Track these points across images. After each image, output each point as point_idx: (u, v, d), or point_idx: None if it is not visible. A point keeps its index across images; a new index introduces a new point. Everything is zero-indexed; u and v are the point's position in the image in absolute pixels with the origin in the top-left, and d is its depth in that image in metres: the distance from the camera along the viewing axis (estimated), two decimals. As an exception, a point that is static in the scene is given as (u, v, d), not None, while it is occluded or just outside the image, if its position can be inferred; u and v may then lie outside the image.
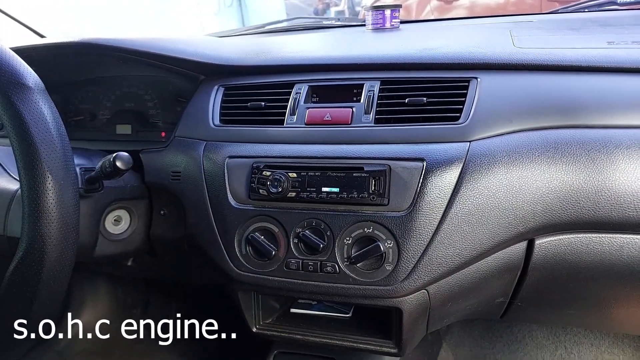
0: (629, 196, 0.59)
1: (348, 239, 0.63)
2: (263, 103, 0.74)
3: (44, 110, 0.52)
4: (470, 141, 0.62)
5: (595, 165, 0.60)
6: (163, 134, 0.88)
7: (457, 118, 0.65)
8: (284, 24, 1.21)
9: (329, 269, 0.63)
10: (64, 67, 0.92)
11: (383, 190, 0.62)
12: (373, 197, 0.62)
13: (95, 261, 0.75)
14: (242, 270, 0.68)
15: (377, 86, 0.70)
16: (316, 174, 0.65)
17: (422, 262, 0.61)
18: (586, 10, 0.99)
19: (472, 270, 0.64)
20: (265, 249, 0.65)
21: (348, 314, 0.76)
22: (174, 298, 1.27)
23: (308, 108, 0.72)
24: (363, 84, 0.71)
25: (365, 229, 0.62)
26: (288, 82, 0.75)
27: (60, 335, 1.17)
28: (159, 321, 1.25)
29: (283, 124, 0.72)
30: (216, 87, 0.79)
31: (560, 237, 0.64)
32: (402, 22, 1.02)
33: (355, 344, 0.71)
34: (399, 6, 1.00)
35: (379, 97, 0.69)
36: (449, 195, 0.60)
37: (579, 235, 0.63)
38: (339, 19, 1.20)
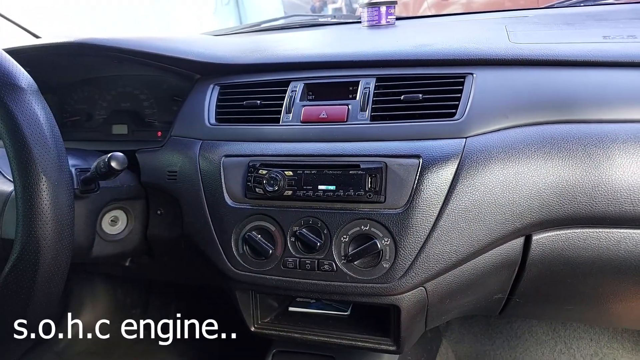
0: (626, 191, 0.59)
1: (345, 236, 0.63)
2: (259, 101, 0.74)
3: (37, 111, 0.52)
4: (466, 137, 0.62)
5: (592, 160, 0.60)
6: (159, 134, 0.88)
7: (453, 114, 0.64)
8: (280, 22, 1.21)
9: (326, 267, 0.63)
10: (59, 67, 0.92)
11: (379, 187, 0.62)
12: (369, 195, 0.62)
13: (93, 262, 0.75)
14: (240, 270, 0.67)
15: (372, 83, 0.70)
16: (312, 172, 0.65)
17: (419, 259, 0.61)
18: (582, 4, 0.98)
19: (469, 266, 0.64)
20: (262, 247, 0.65)
21: (346, 312, 0.76)
22: (174, 298, 1.27)
23: (304, 106, 0.71)
24: (359, 81, 0.71)
25: (362, 227, 0.62)
26: (283, 80, 0.75)
27: (60, 336, 1.17)
28: (158, 321, 1.25)
29: (279, 122, 0.72)
30: (212, 86, 0.79)
31: (558, 232, 0.64)
32: (397, 19, 1.02)
33: (353, 342, 0.71)
34: (395, 3, 0.99)
35: (375, 94, 0.69)
36: (446, 192, 0.60)
37: (576, 231, 0.63)
38: (334, 16, 1.20)
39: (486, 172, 0.60)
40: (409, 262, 0.61)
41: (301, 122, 0.70)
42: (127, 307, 1.27)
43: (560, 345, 1.15)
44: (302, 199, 0.65)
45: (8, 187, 0.62)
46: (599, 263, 0.64)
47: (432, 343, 1.10)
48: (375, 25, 1.00)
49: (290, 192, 0.65)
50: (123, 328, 1.24)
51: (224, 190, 0.68)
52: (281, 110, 0.72)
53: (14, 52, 0.58)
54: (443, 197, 0.60)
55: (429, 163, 0.60)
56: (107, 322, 1.23)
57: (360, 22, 1.04)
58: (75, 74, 0.94)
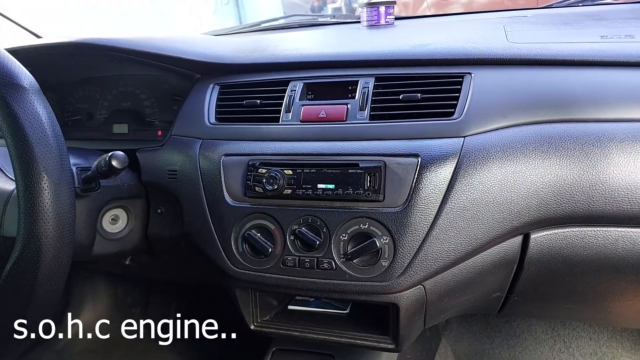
0: (623, 190, 0.60)
1: (344, 235, 0.63)
2: (258, 101, 0.74)
3: (39, 110, 0.53)
4: (464, 136, 0.62)
5: (589, 159, 0.60)
6: (160, 133, 0.88)
7: (452, 114, 0.65)
8: (280, 22, 1.21)
9: (325, 265, 0.64)
10: (60, 67, 0.92)
11: (378, 186, 0.62)
12: (368, 194, 0.62)
13: (93, 260, 0.76)
14: (239, 268, 0.68)
15: (371, 83, 0.70)
16: (312, 171, 0.65)
17: (418, 258, 0.61)
18: (580, 4, 0.99)
19: (468, 265, 0.64)
20: (261, 246, 0.66)
21: (345, 310, 0.77)
22: (174, 297, 1.27)
23: (303, 105, 0.72)
24: (358, 81, 0.71)
25: (361, 225, 0.62)
26: (283, 79, 0.75)
27: (60, 335, 1.17)
28: (158, 320, 1.26)
29: (278, 122, 0.72)
30: (212, 85, 0.80)
31: (556, 231, 0.64)
32: (396, 19, 1.02)
33: (353, 340, 0.71)
34: (394, 3, 1.00)
35: (374, 94, 0.70)
36: (444, 191, 0.60)
37: (574, 229, 0.64)
38: (334, 16, 1.21)
39: (484, 171, 0.61)
40: (408, 261, 0.61)
41: (300, 121, 0.71)
42: (127, 306, 1.28)
43: (559, 344, 1.15)
44: (302, 198, 0.65)
45: (10, 186, 0.63)
46: (596, 261, 0.64)
47: (431, 342, 1.11)
48: (374, 25, 1.00)
49: (289, 191, 0.65)
50: (123, 327, 1.24)
51: (224, 189, 0.69)
52: (281, 110, 0.73)
53: (15, 52, 0.58)
54: (441, 196, 0.60)
55: (428, 162, 0.61)
56: (107, 321, 1.23)
57: (359, 22, 1.04)
58: (76, 73, 0.95)
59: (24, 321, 0.55)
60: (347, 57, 0.75)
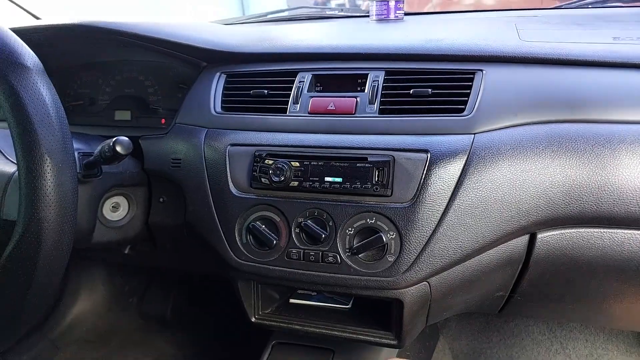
0: (632, 192, 0.59)
1: (350, 229, 0.62)
2: (266, 91, 0.73)
3: (42, 91, 0.51)
4: (474, 133, 0.62)
5: (599, 160, 0.60)
6: (163, 121, 0.87)
7: (462, 110, 0.64)
8: (287, 13, 1.20)
9: (330, 259, 0.63)
10: (61, 50, 0.90)
11: (386, 181, 0.61)
12: (376, 188, 0.62)
13: (93, 248, 0.74)
14: (243, 260, 0.67)
15: (381, 76, 0.70)
16: (319, 163, 0.64)
17: (424, 254, 0.60)
18: (590, 6, 0.98)
19: (473, 263, 0.64)
20: (266, 238, 0.65)
21: (348, 305, 0.76)
22: (172, 287, 1.26)
23: (311, 97, 0.71)
24: (367, 74, 0.70)
25: (368, 220, 0.62)
26: (291, 70, 0.74)
27: (56, 324, 1.16)
28: (156, 310, 1.25)
29: (286, 113, 0.71)
30: (218, 74, 0.78)
31: (563, 231, 0.64)
32: (405, 14, 1.02)
33: (355, 335, 0.71)
34: (404, -3, 0.99)
35: (384, 88, 0.69)
36: (453, 188, 0.60)
37: (581, 230, 0.63)
38: (342, 10, 1.19)
39: (494, 169, 0.60)
40: (414, 257, 0.61)
41: (309, 113, 0.70)
42: (124, 296, 1.26)
43: (556, 345, 1.16)
44: (308, 190, 0.64)
45: (10, 168, 0.61)
46: (602, 263, 0.64)
47: (430, 339, 1.11)
48: (383, 19, 0.99)
49: (296, 183, 0.64)
50: (120, 316, 1.23)
51: (229, 179, 0.68)
52: (288, 101, 0.72)
53: (15, 33, 0.56)
54: (450, 193, 0.60)
55: (437, 158, 0.60)
56: (105, 309, 1.22)
57: (368, 15, 1.03)
58: (78, 57, 0.93)
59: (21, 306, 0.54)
60: (357, 49, 0.74)
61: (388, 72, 0.70)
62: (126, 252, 0.87)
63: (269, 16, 1.19)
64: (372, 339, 0.70)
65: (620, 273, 0.65)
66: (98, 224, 0.73)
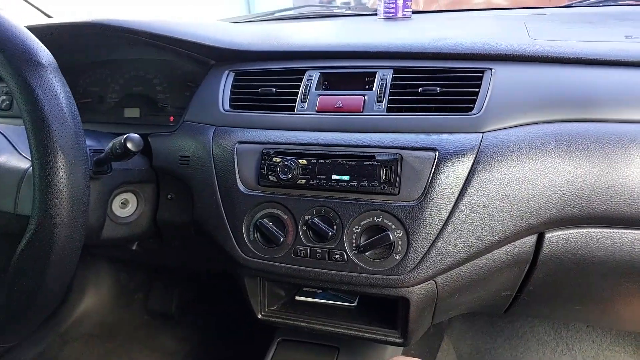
0: (642, 192, 0.59)
1: (357, 227, 0.63)
2: (274, 89, 0.74)
3: (57, 88, 0.52)
4: (483, 132, 0.62)
5: (609, 160, 0.59)
6: (171, 119, 0.87)
7: (471, 109, 0.64)
8: (294, 12, 1.20)
9: (337, 257, 0.63)
10: (71, 48, 0.91)
11: (394, 179, 0.61)
12: (384, 186, 0.62)
13: (102, 244, 0.75)
14: (250, 256, 0.67)
15: (389, 75, 0.69)
16: (327, 161, 0.64)
17: (431, 253, 0.60)
18: (601, 4, 0.97)
19: (481, 262, 0.64)
20: (273, 235, 0.65)
21: (353, 303, 0.76)
22: (177, 283, 1.27)
23: (319, 95, 0.71)
24: (375, 72, 0.70)
25: (375, 218, 0.62)
26: (299, 68, 0.74)
27: (63, 318, 1.18)
28: (161, 306, 1.26)
29: (294, 111, 0.71)
30: (226, 72, 0.79)
31: (571, 231, 0.63)
32: (414, 12, 1.01)
33: (360, 333, 0.71)
34: (412, -5, 0.98)
35: (392, 86, 0.69)
36: (461, 186, 0.60)
37: (589, 230, 0.63)
38: (349, 8, 1.19)
39: (502, 168, 0.60)
40: (421, 255, 0.61)
41: (317, 111, 0.70)
42: (130, 292, 1.28)
43: (561, 346, 1.15)
44: (316, 188, 0.64)
45: (24, 164, 0.62)
46: (611, 264, 0.64)
47: (434, 339, 1.11)
48: (391, 17, 0.99)
49: (303, 181, 0.65)
50: (125, 312, 1.24)
51: (237, 177, 0.68)
52: (296, 99, 0.72)
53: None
54: (458, 192, 0.60)
55: (445, 157, 0.60)
56: (110, 305, 1.23)
57: (375, 14, 1.03)
58: (87, 55, 0.94)
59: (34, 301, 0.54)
60: (365, 47, 0.74)
61: (396, 70, 0.70)
62: (134, 248, 0.88)
63: (277, 14, 1.19)
64: (377, 337, 0.70)
65: (630, 274, 0.65)
66: (107, 220, 0.74)
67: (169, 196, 0.80)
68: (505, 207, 0.60)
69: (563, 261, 0.65)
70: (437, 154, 0.60)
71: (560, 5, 1.02)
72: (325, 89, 0.73)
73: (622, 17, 0.84)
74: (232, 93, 0.77)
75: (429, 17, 1.06)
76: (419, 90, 0.67)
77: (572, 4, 1.00)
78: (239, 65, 0.79)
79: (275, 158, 0.66)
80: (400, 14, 0.99)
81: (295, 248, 0.65)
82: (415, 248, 0.60)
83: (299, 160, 0.65)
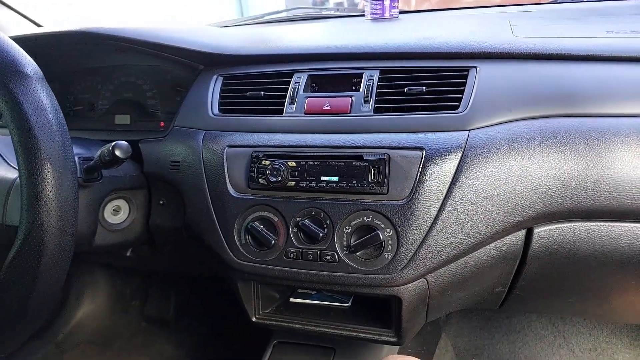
0: (627, 185, 0.60)
1: (347, 227, 0.63)
2: (262, 92, 0.74)
3: (42, 98, 0.52)
4: (469, 130, 0.62)
5: (594, 154, 0.60)
6: (162, 124, 0.88)
7: (457, 107, 0.65)
8: (283, 14, 1.20)
9: (328, 257, 0.63)
10: (61, 56, 0.91)
11: (382, 179, 0.62)
12: (372, 186, 0.62)
13: (94, 251, 0.75)
14: (242, 260, 0.68)
15: (376, 75, 0.70)
16: (315, 163, 0.65)
17: (421, 251, 0.61)
18: (584, 0, 0.98)
19: (471, 258, 0.64)
20: (264, 238, 0.65)
21: (347, 303, 0.77)
22: (173, 289, 1.27)
23: (307, 97, 0.71)
24: (362, 73, 0.71)
25: (365, 218, 0.62)
26: (287, 71, 0.75)
27: (60, 327, 1.18)
28: (158, 312, 1.26)
29: (282, 114, 0.72)
30: (215, 76, 0.79)
31: (559, 225, 0.64)
32: (401, 12, 1.02)
33: (354, 333, 0.71)
34: (398, -4, 0.99)
35: (378, 86, 0.69)
36: (448, 184, 0.60)
37: (577, 224, 0.64)
38: (337, 9, 1.20)
39: (489, 165, 0.61)
40: (411, 254, 0.61)
41: (305, 113, 0.70)
42: (126, 298, 1.28)
43: (559, 339, 1.16)
44: (305, 190, 0.65)
45: (12, 174, 0.62)
46: (600, 256, 0.64)
47: (432, 336, 1.11)
48: (378, 18, 1.00)
49: (293, 183, 0.65)
50: (123, 319, 1.24)
51: (227, 181, 0.68)
52: (284, 102, 0.72)
53: (16, 41, 0.57)
54: (446, 190, 0.60)
55: (432, 155, 0.61)
56: (107, 312, 1.23)
57: (363, 15, 1.04)
58: (77, 63, 0.94)
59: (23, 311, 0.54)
60: (352, 49, 0.75)
61: (383, 71, 0.71)
62: (128, 254, 0.88)
63: (266, 17, 1.20)
64: (371, 336, 0.70)
65: (618, 266, 0.65)
66: (99, 227, 0.74)
67: (161, 202, 0.80)
68: (493, 203, 0.61)
69: (553, 255, 0.66)
70: (424, 152, 0.61)
71: (545, 2, 1.03)
72: (313, 91, 0.74)
73: (604, 12, 0.85)
74: (221, 97, 0.77)
75: (416, 17, 1.06)
76: (405, 90, 0.67)
77: (556, 0, 1.01)
78: (227, 70, 0.80)
79: (264, 161, 0.67)
80: (387, 15, 0.99)
81: (286, 250, 0.65)
82: (405, 247, 0.61)
83: (288, 163, 0.65)
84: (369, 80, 0.70)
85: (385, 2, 0.98)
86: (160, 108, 0.89)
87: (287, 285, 0.72)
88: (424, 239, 0.61)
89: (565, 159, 0.60)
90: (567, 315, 1.16)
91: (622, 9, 0.87)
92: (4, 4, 1.04)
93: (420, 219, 0.60)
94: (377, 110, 0.68)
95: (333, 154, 0.65)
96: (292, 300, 0.78)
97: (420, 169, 0.61)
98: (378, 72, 0.70)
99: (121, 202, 0.77)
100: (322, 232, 0.63)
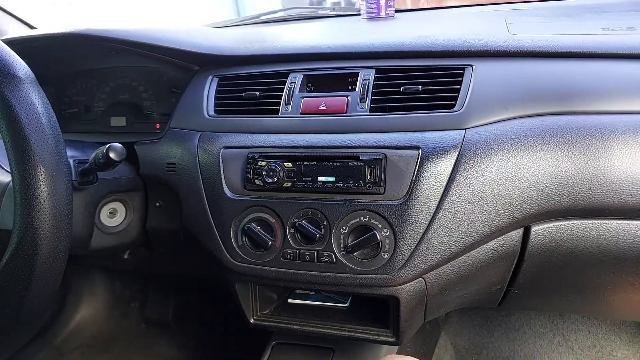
0: (624, 182, 0.59)
1: (344, 228, 0.63)
2: (258, 93, 0.74)
3: (34, 101, 0.52)
4: (465, 129, 0.62)
5: (591, 152, 0.60)
6: (158, 126, 0.87)
7: (453, 106, 0.64)
8: (279, 14, 1.20)
9: (325, 258, 0.63)
10: (56, 58, 0.91)
11: (379, 179, 0.62)
12: (369, 186, 0.62)
13: (91, 254, 0.75)
14: (239, 261, 0.67)
15: (372, 75, 0.70)
16: (312, 163, 0.64)
17: (418, 251, 0.61)
18: (581, -3, 0.98)
19: (468, 257, 0.64)
20: (261, 239, 0.65)
21: (346, 303, 0.76)
22: (172, 290, 1.27)
23: (303, 97, 0.71)
24: (358, 73, 0.71)
25: (362, 218, 0.62)
26: (283, 71, 0.75)
27: (59, 330, 1.17)
28: (157, 314, 1.26)
29: (278, 114, 0.71)
30: (210, 77, 0.79)
31: (557, 223, 0.64)
32: (396, 11, 1.02)
33: (353, 334, 0.71)
34: (394, -5, 0.99)
35: (374, 86, 0.69)
36: (445, 183, 0.60)
37: (574, 222, 0.63)
38: (333, 9, 1.19)
39: (485, 164, 0.60)
40: (408, 253, 0.61)
41: (300, 113, 0.70)
42: (125, 301, 1.27)
43: (558, 337, 1.16)
44: (302, 191, 0.65)
45: (5, 178, 0.62)
46: (597, 254, 0.64)
47: (431, 335, 1.11)
48: (374, 17, 0.99)
49: (289, 184, 0.65)
50: (121, 322, 1.24)
51: (223, 182, 0.68)
52: (280, 102, 0.72)
53: (9, 43, 0.57)
54: (442, 189, 0.60)
55: (429, 154, 0.60)
56: (106, 315, 1.23)
57: (359, 14, 1.03)
58: (72, 65, 0.94)
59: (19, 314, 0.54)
60: (347, 48, 0.75)
61: (378, 70, 0.70)
62: (125, 257, 0.88)
63: (262, 18, 1.19)
64: (369, 336, 0.70)
65: (616, 264, 0.65)
66: (96, 230, 0.74)
67: (158, 204, 0.80)
68: (490, 202, 0.61)
69: (550, 254, 0.66)
70: (420, 152, 0.61)
71: (541, -1, 1.03)
72: (308, 91, 0.73)
73: (601, 9, 0.84)
74: (216, 98, 0.77)
75: (412, 15, 1.06)
76: (401, 89, 0.67)
77: (552, -3, 1.01)
78: (222, 70, 0.79)
79: (260, 162, 0.66)
80: (383, 14, 0.99)
81: (283, 251, 0.65)
82: (402, 246, 0.61)
83: (285, 163, 0.65)
84: (364, 79, 0.70)
85: (380, 1, 0.98)
86: (156, 110, 0.89)
87: (285, 286, 0.72)
88: (421, 238, 0.60)
89: (562, 157, 0.60)
90: (565, 313, 1.16)
91: (618, 5, 0.87)
92: (-3, 6, 1.04)
93: (417, 219, 0.60)
94: (373, 109, 0.68)
95: (329, 154, 0.64)
96: (290, 301, 0.78)
97: (416, 169, 0.60)
98: (374, 71, 0.70)
99: (117, 205, 0.77)
100: (319, 233, 0.63)
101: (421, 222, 0.60)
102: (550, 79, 0.65)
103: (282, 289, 0.77)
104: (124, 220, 0.78)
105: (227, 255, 0.68)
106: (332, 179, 0.63)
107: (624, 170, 0.59)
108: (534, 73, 0.66)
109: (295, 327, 0.73)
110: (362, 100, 0.68)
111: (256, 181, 0.66)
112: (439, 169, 0.60)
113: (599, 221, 0.63)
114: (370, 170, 0.62)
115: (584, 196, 0.60)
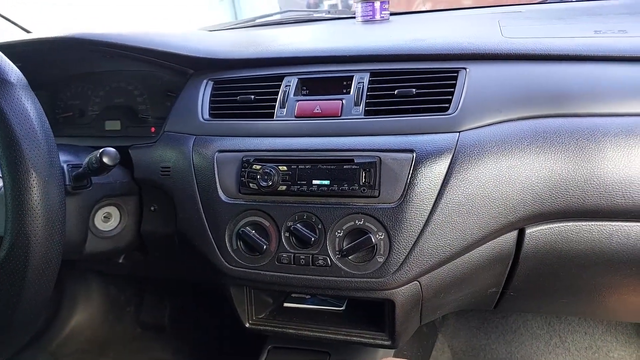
0: (617, 184, 0.60)
1: (339, 231, 0.63)
2: (252, 96, 0.74)
3: (26, 106, 0.52)
4: (459, 132, 0.62)
5: (584, 154, 0.60)
6: (153, 129, 0.87)
7: (447, 109, 0.65)
8: (275, 17, 1.20)
9: (320, 262, 0.63)
10: (51, 62, 0.91)
11: (373, 182, 0.62)
12: (364, 189, 0.62)
13: (86, 259, 0.75)
14: (234, 265, 0.67)
15: (366, 78, 0.70)
16: (306, 166, 0.64)
17: (413, 254, 0.61)
18: (573, 0, 0.99)
19: (463, 260, 0.64)
20: (256, 243, 0.65)
21: (341, 307, 0.76)
22: (168, 294, 1.26)
23: (298, 101, 0.71)
24: (352, 76, 0.71)
25: (357, 222, 0.62)
26: (277, 75, 0.75)
27: (54, 335, 1.16)
28: (153, 318, 1.25)
29: (273, 117, 0.71)
30: (205, 81, 0.79)
31: (551, 225, 0.64)
32: (391, 14, 1.02)
33: (348, 337, 0.71)
34: (389, -2, 0.99)
35: (369, 89, 0.69)
36: (439, 186, 0.60)
37: (568, 224, 0.64)
38: (329, 12, 1.20)
39: (479, 166, 0.61)
40: (403, 257, 0.61)
41: (295, 117, 0.70)
42: (121, 305, 1.26)
43: (555, 338, 1.16)
44: (297, 194, 0.65)
45: (-2, 183, 0.61)
46: (591, 256, 0.65)
47: (428, 338, 1.11)
48: (369, 20, 1.00)
49: (284, 187, 0.65)
50: (116, 326, 1.23)
51: (218, 186, 0.68)
52: (275, 105, 0.72)
53: (3, 47, 0.57)
54: (437, 192, 0.60)
55: (423, 157, 0.61)
56: (102, 320, 1.22)
57: (354, 17, 1.04)
58: (67, 69, 0.93)
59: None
60: (342, 52, 0.75)
61: (373, 73, 0.70)
62: (120, 261, 0.88)
63: (257, 21, 1.19)
64: (366, 340, 0.70)
65: (610, 265, 0.65)
66: (90, 234, 0.74)
67: (152, 208, 0.80)
68: (484, 205, 0.61)
69: (545, 256, 0.66)
70: (414, 155, 0.61)
71: (534, 2, 1.03)
72: (303, 94, 0.73)
73: (593, 12, 0.85)
74: (211, 102, 0.77)
75: (407, 18, 1.07)
76: (395, 92, 0.67)
77: (545, 0, 1.01)
78: (217, 74, 0.79)
79: (255, 165, 0.66)
80: (378, 17, 0.99)
81: (278, 255, 0.65)
82: (397, 249, 0.61)
83: (279, 167, 0.65)
84: (359, 83, 0.70)
85: (375, 5, 0.98)
86: (151, 113, 0.89)
87: (280, 290, 0.72)
88: (415, 241, 0.60)
89: (555, 159, 0.61)
90: (561, 315, 1.17)
91: (610, 8, 0.87)
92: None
93: (411, 222, 0.60)
94: (367, 113, 0.68)
95: (324, 158, 0.64)
96: (285, 304, 0.77)
97: (411, 172, 0.60)
98: (368, 74, 0.70)
99: (112, 209, 0.77)
100: (314, 236, 0.63)
101: (416, 225, 0.60)
102: (544, 81, 0.65)
103: (277, 292, 0.77)
104: (118, 224, 0.78)
105: (222, 259, 0.68)
106: (326, 182, 0.63)
107: (617, 172, 0.60)
108: (527, 76, 0.66)
109: (290, 331, 0.73)
110: (357, 104, 0.68)
111: (251, 185, 0.66)
112: (433, 172, 0.60)
113: (592, 223, 0.63)
114: (365, 173, 0.62)
115: (578, 198, 0.61)
